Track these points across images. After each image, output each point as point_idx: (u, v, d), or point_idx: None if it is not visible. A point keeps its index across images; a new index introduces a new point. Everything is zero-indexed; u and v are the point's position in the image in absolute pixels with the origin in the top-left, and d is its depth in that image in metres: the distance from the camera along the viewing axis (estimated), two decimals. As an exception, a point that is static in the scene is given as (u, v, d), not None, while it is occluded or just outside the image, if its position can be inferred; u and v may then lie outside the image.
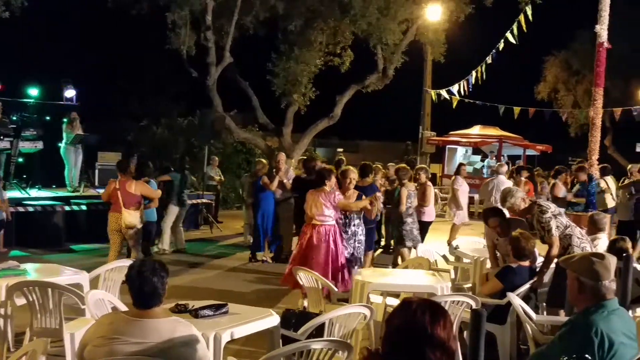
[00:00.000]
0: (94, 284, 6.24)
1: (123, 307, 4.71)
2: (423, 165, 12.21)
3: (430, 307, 2.42)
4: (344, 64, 17.26)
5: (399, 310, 2.47)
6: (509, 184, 11.22)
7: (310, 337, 4.59)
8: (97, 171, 15.61)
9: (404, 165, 10.74)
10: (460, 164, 14.69)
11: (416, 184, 10.49)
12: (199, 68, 16.25)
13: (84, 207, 12.89)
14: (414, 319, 2.38)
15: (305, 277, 6.68)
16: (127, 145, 16.55)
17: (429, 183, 10.80)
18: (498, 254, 7.24)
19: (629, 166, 14.65)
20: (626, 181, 12.68)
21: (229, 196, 19.66)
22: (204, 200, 15.41)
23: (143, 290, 3.44)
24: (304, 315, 5.52)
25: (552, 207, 6.51)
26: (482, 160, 25.61)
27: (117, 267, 6.39)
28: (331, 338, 4.62)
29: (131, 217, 8.73)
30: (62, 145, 14.00)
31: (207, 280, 9.99)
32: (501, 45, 16.21)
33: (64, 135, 13.97)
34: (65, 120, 14.02)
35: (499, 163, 14.31)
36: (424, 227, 10.55)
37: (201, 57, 15.97)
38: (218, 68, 16.01)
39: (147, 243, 10.36)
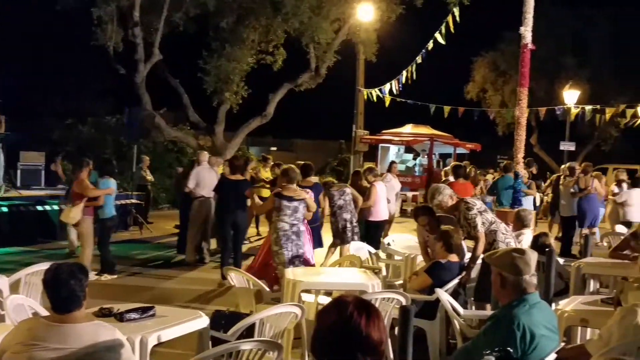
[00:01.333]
0: (14, 288, 5.98)
1: (44, 313, 4.54)
2: (371, 165, 12.22)
3: (366, 308, 2.35)
4: (276, 63, 17.20)
5: (332, 308, 2.38)
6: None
7: (241, 338, 4.52)
8: (19, 171, 15.06)
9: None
10: (392, 162, 14.84)
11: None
12: (127, 65, 15.89)
13: (4, 209, 12.39)
14: (350, 320, 2.30)
15: (236, 277, 6.60)
16: (51, 145, 16.02)
17: (375, 183, 10.69)
18: (429, 251, 7.34)
19: (567, 165, 15.28)
20: (566, 180, 13.12)
21: (159, 196, 19.31)
22: (133, 201, 15.07)
23: (60, 294, 3.34)
24: (234, 316, 5.44)
25: (478, 204, 6.66)
26: (414, 159, 26.00)
27: (38, 271, 6.14)
28: (261, 338, 4.57)
29: (67, 214, 9.05)
30: None
31: (136, 282, 9.77)
32: (430, 46, 16.47)
33: None
34: None
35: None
36: (371, 226, 10.43)
37: (129, 53, 15.62)
38: (147, 65, 15.69)
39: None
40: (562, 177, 13.89)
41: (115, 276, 9.81)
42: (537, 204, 15.66)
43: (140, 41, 15.44)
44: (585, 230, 11.94)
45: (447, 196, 6.71)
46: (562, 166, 16.12)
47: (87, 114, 22.65)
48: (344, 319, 2.30)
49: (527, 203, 12.82)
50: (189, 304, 8.08)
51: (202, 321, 4.66)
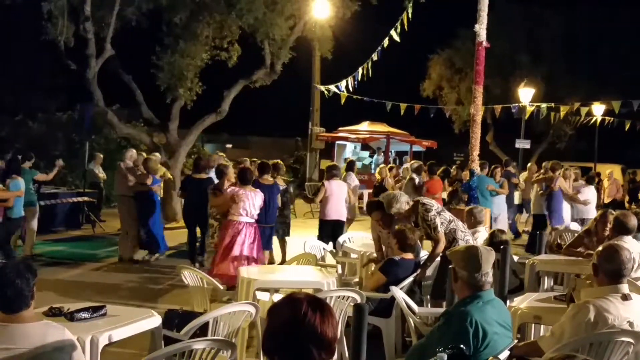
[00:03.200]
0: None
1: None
2: (333, 163, 12.25)
3: (320, 306, 2.36)
4: (231, 59, 17.05)
5: (285, 306, 2.37)
6: None
7: (194, 337, 4.46)
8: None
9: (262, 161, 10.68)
10: (351, 161, 14.54)
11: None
12: (78, 60, 15.56)
13: None
14: (304, 318, 2.30)
15: (189, 276, 6.50)
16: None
17: (326, 182, 10.49)
18: (383, 247, 7.36)
19: (530, 164, 15.62)
20: (540, 177, 13.35)
21: (112, 194, 18.97)
22: (86, 199, 14.79)
23: (6, 293, 3.29)
24: (188, 315, 5.38)
25: (435, 205, 6.70)
26: (371, 156, 26.12)
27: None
28: (214, 337, 4.51)
29: None
30: None
31: (87, 280, 9.64)
32: (386, 43, 16.52)
33: None
34: None
35: (411, 162, 14.33)
36: (323, 225, 10.37)
37: (80, 48, 15.30)
38: (98, 61, 15.37)
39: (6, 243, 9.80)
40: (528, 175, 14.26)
41: None
42: (517, 201, 16.01)
43: (91, 36, 15.13)
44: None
45: (404, 203, 6.75)
46: (529, 164, 16.47)
47: (38, 110, 22.17)
48: (298, 317, 2.30)
49: (500, 201, 12.99)
50: (142, 302, 7.96)
51: (154, 320, 4.61)
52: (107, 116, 16.11)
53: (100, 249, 12.35)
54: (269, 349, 2.33)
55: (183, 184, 11.10)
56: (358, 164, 21.84)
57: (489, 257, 3.67)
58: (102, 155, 16.98)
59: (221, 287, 6.64)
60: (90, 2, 14.66)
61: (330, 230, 10.14)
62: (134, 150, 12.05)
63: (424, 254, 7.03)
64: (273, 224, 9.91)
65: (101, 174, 16.59)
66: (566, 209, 12.70)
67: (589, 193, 12.85)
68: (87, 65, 15.30)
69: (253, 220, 8.20)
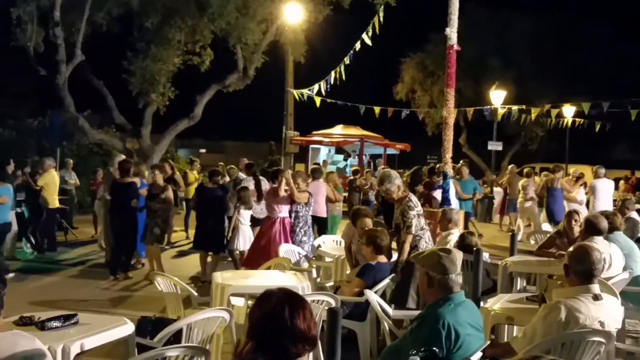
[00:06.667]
0: None
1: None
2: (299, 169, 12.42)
3: (289, 300, 2.43)
4: (203, 63, 17.00)
5: (260, 302, 2.46)
6: None
7: (168, 344, 4.42)
8: None
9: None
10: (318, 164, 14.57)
11: None
12: (48, 66, 15.40)
13: None
14: (274, 313, 2.38)
15: (163, 283, 6.44)
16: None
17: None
18: (357, 256, 7.38)
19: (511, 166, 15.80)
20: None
21: (85, 200, 18.77)
22: (58, 205, 14.56)
23: None
24: (161, 322, 5.31)
25: (419, 207, 6.72)
26: (345, 160, 26.13)
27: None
28: (188, 344, 4.48)
29: None
30: None
31: (60, 289, 9.50)
32: (358, 46, 16.56)
33: None
34: None
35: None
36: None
37: (50, 54, 15.14)
38: (69, 66, 15.24)
39: None
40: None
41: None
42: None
43: (61, 42, 15.00)
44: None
45: (395, 185, 6.72)
46: (510, 166, 16.64)
47: (8, 117, 21.86)
48: (268, 311, 2.40)
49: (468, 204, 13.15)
50: (114, 310, 7.87)
51: (127, 328, 4.57)
52: (79, 122, 15.97)
53: (72, 256, 12.19)
54: (252, 348, 2.40)
55: (111, 188, 10.69)
56: (332, 167, 21.91)
57: (457, 259, 3.70)
58: (72, 161, 16.77)
59: (195, 293, 6.59)
60: (59, 8, 14.56)
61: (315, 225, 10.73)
62: (123, 156, 12.00)
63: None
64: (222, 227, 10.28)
65: (72, 180, 16.38)
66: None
67: (582, 193, 13.26)
68: (58, 70, 15.17)
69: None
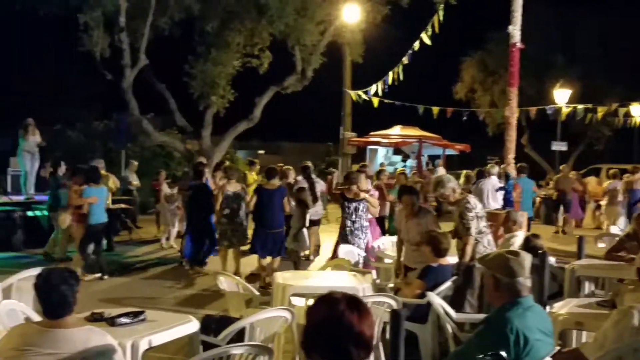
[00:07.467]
0: (6, 293, 5.92)
1: (37, 318, 4.53)
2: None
3: (356, 304, 2.40)
4: (262, 66, 17.15)
5: (322, 304, 2.41)
6: (498, 184, 11.64)
7: (231, 343, 4.49)
8: (9, 177, 15.03)
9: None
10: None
11: None
12: (113, 70, 15.83)
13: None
14: (342, 316, 2.33)
15: (226, 282, 6.54)
16: (40, 151, 16.02)
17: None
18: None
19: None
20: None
21: (148, 201, 19.21)
22: (122, 205, 14.96)
23: (51, 299, 3.38)
24: (225, 320, 5.40)
25: (478, 208, 6.61)
26: (404, 161, 25.96)
27: (30, 276, 6.07)
28: (252, 343, 4.53)
29: (62, 218, 10.84)
30: (18, 152, 13.93)
31: (127, 286, 9.77)
32: (417, 46, 16.45)
33: (20, 141, 13.85)
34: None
35: (490, 165, 14.25)
36: None
37: (115, 59, 15.56)
38: (133, 70, 15.63)
39: None
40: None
41: (93, 277, 9.82)
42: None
43: (126, 47, 15.39)
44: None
45: (449, 189, 6.67)
46: (562, 166, 16.25)
47: (75, 120, 22.57)
48: (336, 315, 2.33)
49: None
50: (179, 308, 8.03)
51: (192, 325, 4.66)
52: (142, 124, 16.35)
53: (137, 255, 12.50)
54: (308, 347, 2.37)
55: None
56: (390, 169, 21.79)
57: (526, 262, 3.61)
58: (136, 163, 17.19)
59: (256, 292, 6.66)
60: (124, 13, 14.92)
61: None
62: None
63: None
64: (281, 229, 9.92)
65: (135, 181, 16.78)
66: None
67: None
68: (123, 75, 15.56)
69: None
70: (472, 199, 6.72)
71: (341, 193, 9.89)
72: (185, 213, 12.06)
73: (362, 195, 9.22)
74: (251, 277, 9.78)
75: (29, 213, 12.87)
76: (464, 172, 14.20)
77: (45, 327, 3.36)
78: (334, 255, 9.12)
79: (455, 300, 6.24)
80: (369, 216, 9.43)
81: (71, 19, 15.02)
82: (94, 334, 3.44)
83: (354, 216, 9.13)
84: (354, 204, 9.19)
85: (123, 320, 4.44)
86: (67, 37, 16.33)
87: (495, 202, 12.06)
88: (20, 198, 13.78)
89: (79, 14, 14.70)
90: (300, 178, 12.16)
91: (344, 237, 9.12)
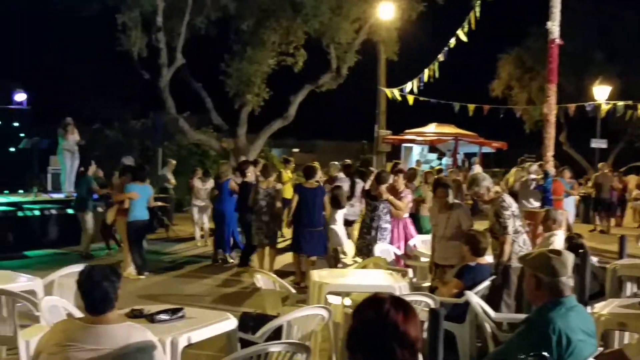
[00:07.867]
0: (48, 290, 6.04)
1: (78, 314, 4.60)
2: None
3: (402, 305, 2.42)
4: (297, 64, 17.19)
5: (369, 305, 2.43)
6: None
7: (269, 340, 4.50)
8: (49, 175, 15.32)
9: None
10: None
11: None
12: (150, 70, 16.03)
13: (37, 213, 12.57)
14: (387, 315, 2.35)
15: (262, 280, 6.56)
16: (80, 149, 16.31)
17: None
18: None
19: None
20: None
21: (184, 199, 19.39)
22: (159, 203, 15.12)
23: (94, 295, 3.41)
24: (262, 318, 5.41)
25: (513, 207, 6.53)
26: (439, 159, 25.75)
27: (71, 273, 6.19)
28: (289, 340, 4.54)
29: (108, 215, 11.23)
30: (58, 150, 14.24)
31: (164, 284, 9.87)
32: (452, 43, 16.29)
33: (60, 140, 14.11)
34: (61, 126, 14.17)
35: (529, 163, 14.12)
36: None
37: (152, 58, 15.76)
38: (170, 69, 15.81)
39: None
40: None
41: (143, 276, 9.93)
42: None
43: (163, 46, 15.58)
44: None
45: (484, 188, 6.62)
46: (600, 164, 15.96)
47: (114, 119, 22.92)
48: (381, 315, 2.35)
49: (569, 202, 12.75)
50: (217, 305, 8.09)
51: (230, 323, 4.69)
52: (179, 123, 16.52)
53: (175, 252, 12.63)
54: (353, 347, 2.39)
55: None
56: (425, 166, 21.64)
57: (569, 261, 3.55)
58: (174, 162, 17.37)
59: (293, 290, 6.67)
60: (161, 13, 15.10)
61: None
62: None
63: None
64: (321, 228, 9.81)
65: (172, 179, 16.93)
66: None
67: None
68: (159, 74, 15.76)
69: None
70: (508, 198, 6.64)
71: (367, 190, 9.98)
72: (212, 210, 12.33)
73: (385, 196, 9.18)
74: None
75: (69, 211, 13.09)
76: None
77: (87, 323, 3.40)
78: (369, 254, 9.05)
79: (492, 299, 6.16)
80: (389, 218, 9.32)
81: (109, 19, 15.24)
82: (135, 330, 3.47)
83: (372, 215, 9.19)
84: (375, 203, 9.23)
85: (162, 317, 4.47)
86: (106, 37, 16.58)
87: (537, 200, 11.94)
88: (60, 196, 14.03)
89: (117, 14, 14.90)
90: (342, 175, 12.11)
91: (360, 235, 9.31)
